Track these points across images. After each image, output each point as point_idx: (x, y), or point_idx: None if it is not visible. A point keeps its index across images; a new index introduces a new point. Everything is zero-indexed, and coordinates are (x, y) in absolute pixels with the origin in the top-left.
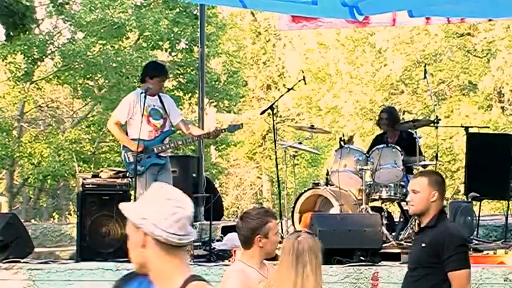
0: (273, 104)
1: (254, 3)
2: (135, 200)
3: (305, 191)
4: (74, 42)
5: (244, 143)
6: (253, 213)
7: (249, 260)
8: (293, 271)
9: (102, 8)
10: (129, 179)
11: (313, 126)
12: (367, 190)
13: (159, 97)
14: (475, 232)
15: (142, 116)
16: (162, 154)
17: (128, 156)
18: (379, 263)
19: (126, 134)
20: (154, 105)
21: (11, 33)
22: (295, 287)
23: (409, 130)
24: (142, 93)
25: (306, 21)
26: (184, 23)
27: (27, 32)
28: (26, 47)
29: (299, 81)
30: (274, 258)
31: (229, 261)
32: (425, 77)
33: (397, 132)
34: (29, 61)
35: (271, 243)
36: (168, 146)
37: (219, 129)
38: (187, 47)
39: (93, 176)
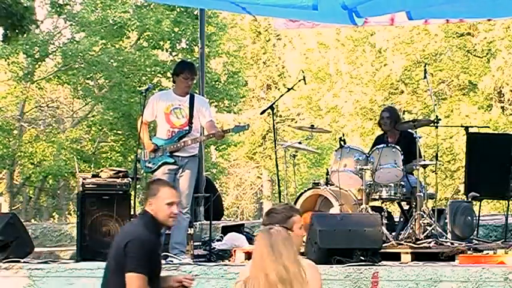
0: (273, 104)
1: (257, 10)
2: (135, 199)
3: (305, 191)
4: (75, 42)
5: (244, 143)
6: (279, 208)
7: None
8: (270, 261)
9: (104, 8)
10: (129, 179)
11: (313, 126)
12: (367, 190)
13: (192, 97)
14: (475, 232)
15: (164, 114)
16: (178, 153)
17: (144, 154)
18: (379, 263)
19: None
20: (179, 105)
21: (9, 34)
22: (277, 275)
23: (409, 130)
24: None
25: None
26: (185, 23)
27: (26, 34)
28: (27, 46)
29: (299, 81)
30: (302, 253)
31: (229, 261)
32: (425, 77)
33: (397, 132)
34: (30, 60)
35: (296, 236)
36: (178, 145)
37: (225, 129)
38: (187, 47)
39: (93, 176)
